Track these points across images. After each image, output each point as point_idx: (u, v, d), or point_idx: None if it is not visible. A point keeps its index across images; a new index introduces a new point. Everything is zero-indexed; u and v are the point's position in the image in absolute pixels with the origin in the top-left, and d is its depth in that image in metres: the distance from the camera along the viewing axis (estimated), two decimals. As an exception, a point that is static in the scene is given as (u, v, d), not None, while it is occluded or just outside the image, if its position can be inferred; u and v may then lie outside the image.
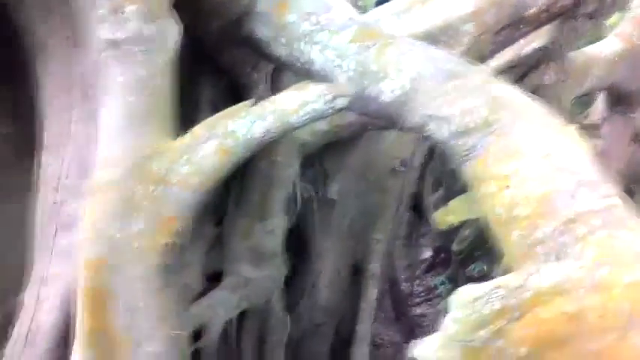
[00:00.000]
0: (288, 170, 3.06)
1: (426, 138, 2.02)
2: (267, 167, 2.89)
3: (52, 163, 2.09)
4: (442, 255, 5.94)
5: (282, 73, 2.78)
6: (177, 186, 1.94)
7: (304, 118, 2.01)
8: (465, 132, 1.81)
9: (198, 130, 2.00)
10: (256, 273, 3.01)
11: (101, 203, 1.92)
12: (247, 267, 2.99)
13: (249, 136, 2.00)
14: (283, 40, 2.20)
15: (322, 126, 2.76)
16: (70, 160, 2.05)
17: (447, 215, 3.54)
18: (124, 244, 1.92)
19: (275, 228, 3.06)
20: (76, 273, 2.01)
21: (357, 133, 2.86)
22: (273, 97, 2.03)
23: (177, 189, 1.94)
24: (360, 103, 2.08)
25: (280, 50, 2.22)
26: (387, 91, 2.05)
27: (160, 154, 1.95)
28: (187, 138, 1.97)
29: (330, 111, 2.00)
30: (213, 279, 2.94)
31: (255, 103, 2.08)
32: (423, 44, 2.16)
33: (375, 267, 3.38)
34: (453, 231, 5.73)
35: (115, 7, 1.89)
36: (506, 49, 3.26)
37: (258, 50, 2.35)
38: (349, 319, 3.46)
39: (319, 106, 1.98)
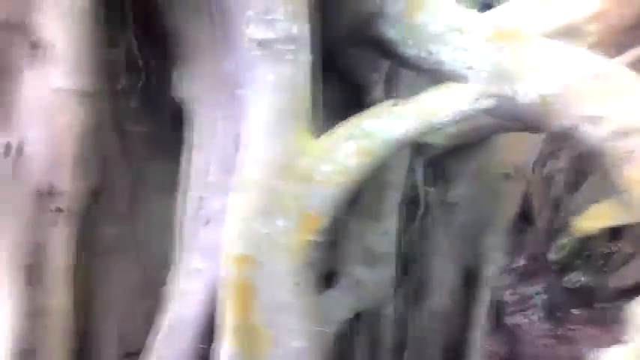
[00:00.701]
0: (402, 172, 3.07)
1: (570, 140, 2.00)
2: (381, 169, 2.90)
3: (199, 160, 2.13)
4: (537, 263, 5.83)
5: (397, 74, 2.80)
6: (321, 184, 1.98)
7: (448, 119, 2.00)
8: (625, 133, 1.77)
9: (341, 129, 2.01)
10: (369, 275, 3.02)
11: (248, 200, 1.96)
12: (361, 268, 3.00)
13: (389, 137, 2.02)
14: (412, 42, 2.20)
15: (451, 129, 2.76)
16: (215, 158, 2.10)
17: (587, 221, 3.43)
18: (269, 241, 1.96)
19: (389, 230, 3.07)
20: (220, 268, 2.09)
21: (484, 136, 2.84)
22: (416, 98, 2.03)
23: (320, 187, 1.98)
24: (497, 105, 2.07)
25: (409, 51, 2.22)
26: (527, 93, 2.01)
27: (305, 152, 1.97)
28: (330, 137, 2.00)
29: (475, 112, 2.00)
30: (326, 280, 2.98)
31: (395, 104, 2.10)
32: (560, 44, 2.13)
33: (488, 273, 3.33)
34: (548, 238, 5.62)
35: (266, 7, 1.92)
36: (630, 51, 3.19)
37: (385, 51, 2.35)
38: (459, 325, 3.44)
39: (466, 106, 1.98)
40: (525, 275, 5.85)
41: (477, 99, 1.98)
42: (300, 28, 1.98)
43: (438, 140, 2.75)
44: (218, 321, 2.02)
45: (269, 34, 1.93)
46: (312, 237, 1.98)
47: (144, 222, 2.39)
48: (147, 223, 2.41)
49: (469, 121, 2.02)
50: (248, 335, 1.98)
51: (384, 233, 3.03)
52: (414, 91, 2.82)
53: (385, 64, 2.74)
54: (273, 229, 1.95)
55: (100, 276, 2.23)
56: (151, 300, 2.30)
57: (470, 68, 2.04)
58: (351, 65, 2.59)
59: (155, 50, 2.20)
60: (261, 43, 1.94)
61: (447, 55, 2.10)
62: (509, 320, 5.57)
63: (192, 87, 2.16)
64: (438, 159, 2.95)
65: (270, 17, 1.93)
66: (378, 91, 2.74)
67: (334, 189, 1.97)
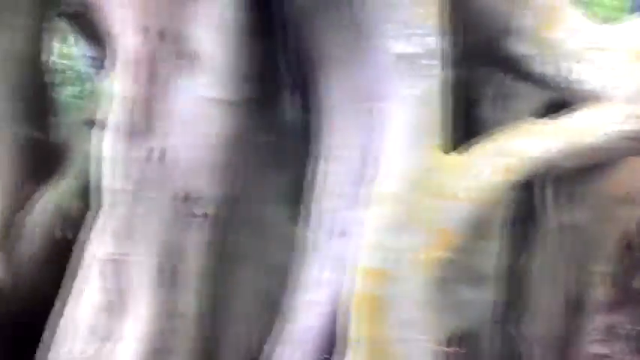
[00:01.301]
0: (509, 192, 3.02)
1: None
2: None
3: (333, 172, 2.13)
4: (625, 292, 5.63)
5: (506, 88, 2.75)
6: (458, 200, 1.96)
7: (595, 140, 1.96)
8: None
9: (481, 146, 2.00)
10: (472, 294, 2.97)
11: (383, 213, 1.96)
12: (464, 288, 2.95)
13: (535, 156, 1.98)
14: (547, 58, 2.18)
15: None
16: (345, 170, 2.10)
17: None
18: (403, 255, 1.95)
19: (494, 249, 3.02)
20: (348, 280, 2.09)
21: (615, 158, 2.76)
22: (565, 117, 1.99)
23: (457, 203, 1.96)
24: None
25: (542, 68, 2.18)
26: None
27: (442, 167, 1.96)
28: (469, 153, 1.98)
29: (622, 134, 1.94)
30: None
31: (534, 122, 2.06)
32: None
33: (595, 299, 3.23)
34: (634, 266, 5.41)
35: (406, 22, 1.93)
36: None
37: (512, 68, 2.32)
38: (558, 350, 3.34)
39: (613, 128, 1.92)
40: (611, 304, 5.67)
41: (624, 120, 1.94)
42: (438, 43, 1.98)
43: (564, 161, 2.69)
44: (342, 333, 2.04)
45: (408, 49, 1.94)
46: (445, 253, 1.97)
47: (263, 231, 2.43)
48: (265, 232, 2.44)
49: (614, 143, 1.97)
50: (375, 349, 1.97)
51: (489, 253, 2.99)
52: (521, 107, 2.79)
53: (496, 79, 2.72)
54: (407, 244, 1.93)
55: (225, 282, 2.25)
56: (271, 308, 2.34)
57: (616, 88, 2.00)
58: (471, 79, 2.58)
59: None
60: (400, 57, 1.95)
61: (588, 74, 2.06)
62: (591, 349, 5.40)
63: (324, 99, 2.18)
64: (561, 179, 2.88)
65: (409, 31, 1.94)
66: (487, 105, 2.73)
67: (470, 205, 1.95)
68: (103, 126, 3.36)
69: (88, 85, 3.85)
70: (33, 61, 2.52)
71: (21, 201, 2.61)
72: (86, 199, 3.47)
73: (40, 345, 2.12)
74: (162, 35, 1.85)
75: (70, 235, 3.28)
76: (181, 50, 1.89)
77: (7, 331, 2.80)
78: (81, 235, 3.28)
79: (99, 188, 3.29)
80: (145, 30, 1.83)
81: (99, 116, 3.40)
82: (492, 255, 3.05)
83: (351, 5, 1.96)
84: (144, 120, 1.89)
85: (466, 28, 2.24)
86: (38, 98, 2.59)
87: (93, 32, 3.18)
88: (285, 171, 2.42)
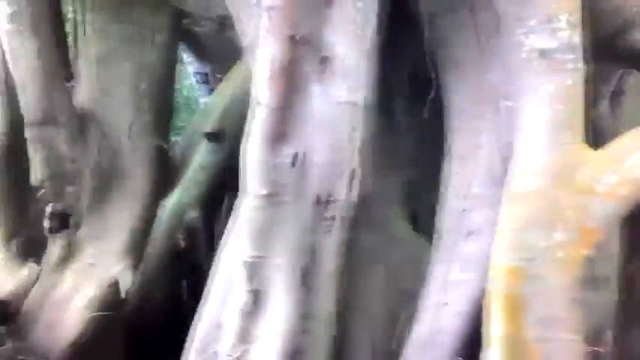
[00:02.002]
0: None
1: None
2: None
3: (460, 172, 2.12)
4: None
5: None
6: (603, 196, 1.91)
7: None
8: None
9: (626, 140, 1.95)
10: (591, 297, 2.91)
11: (522, 211, 1.92)
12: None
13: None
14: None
15: None
16: (479, 169, 2.08)
17: None
18: (544, 253, 1.90)
19: (612, 251, 2.95)
20: (483, 279, 2.07)
21: None
22: None
23: (602, 199, 1.91)
24: None
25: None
26: None
27: (584, 163, 1.90)
28: (615, 147, 1.93)
29: None
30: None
31: None
32: None
33: None
34: None
35: (548, 16, 1.90)
36: None
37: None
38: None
39: None
40: None
41: None
42: (579, 37, 1.94)
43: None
44: (481, 333, 2.03)
45: (551, 44, 1.90)
46: (589, 251, 1.94)
47: (387, 232, 2.45)
48: (389, 233, 2.46)
49: None
50: (516, 348, 1.92)
51: (606, 255, 2.92)
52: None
53: (615, 77, 2.67)
54: (548, 242, 1.89)
55: (355, 283, 2.25)
56: (400, 309, 2.35)
57: None
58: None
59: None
60: (543, 53, 1.91)
61: None
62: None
63: (455, 99, 2.16)
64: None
65: (552, 26, 1.90)
66: (603, 103, 2.67)
67: (617, 202, 1.90)
68: (212, 138, 3.49)
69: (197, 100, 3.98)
70: (165, 76, 2.64)
71: (150, 210, 2.74)
72: (201, 208, 3.61)
73: (186, 347, 2.19)
74: (303, 42, 1.88)
75: (187, 244, 3.42)
76: (319, 56, 1.92)
77: (136, 334, 2.95)
78: (198, 243, 3.42)
79: (213, 196, 3.41)
80: (288, 38, 1.86)
81: (209, 129, 3.53)
82: (610, 257, 3.00)
83: (489, 3, 1.95)
84: (284, 126, 1.92)
85: (593, 21, 2.22)
86: (165, 111, 2.70)
87: (201, 49, 3.32)
88: (401, 172, 2.46)
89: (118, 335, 2.95)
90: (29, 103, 2.40)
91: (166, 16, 2.59)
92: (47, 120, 2.42)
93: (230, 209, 3.84)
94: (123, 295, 2.60)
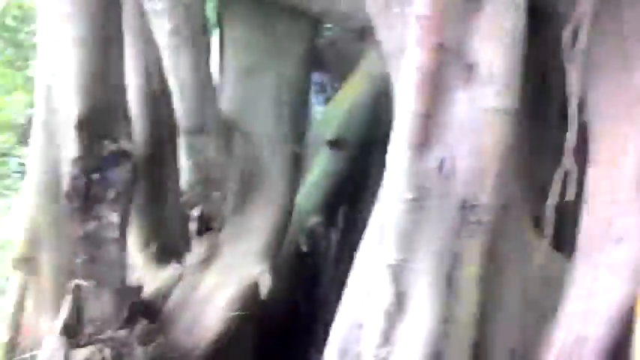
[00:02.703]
0: None
1: None
2: None
3: (604, 178, 2.08)
4: None
5: None
6: None
7: None
8: None
9: None
10: None
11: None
12: None
13: None
14: None
15: None
16: (626, 174, 2.03)
17: None
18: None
19: None
20: (633, 286, 2.02)
21: None
22: None
23: None
24: None
25: None
26: None
27: None
28: None
29: None
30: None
31: None
32: None
33: None
34: None
35: None
36: None
37: None
38: None
39: None
40: None
41: None
42: None
43: None
44: (630, 341, 1.99)
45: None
46: None
47: (524, 237, 2.44)
48: (520, 238, 2.45)
49: None
50: (670, 358, 1.91)
51: None
52: None
53: None
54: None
55: (495, 288, 2.23)
56: (540, 315, 2.34)
57: None
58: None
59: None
60: None
61: None
62: None
63: (598, 103, 2.11)
64: None
65: None
66: None
67: None
68: (334, 145, 3.59)
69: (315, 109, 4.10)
70: (303, 86, 2.75)
71: (286, 213, 2.85)
72: (322, 213, 3.72)
73: (327, 347, 2.26)
74: (449, 50, 1.91)
75: (310, 248, 3.53)
76: (464, 62, 1.94)
77: (262, 334, 3.07)
78: (319, 247, 3.53)
79: (333, 202, 3.49)
80: (436, 46, 1.89)
81: (330, 137, 3.64)
82: None
83: (635, 6, 1.93)
84: (430, 132, 1.96)
85: None
86: (302, 119, 2.81)
87: (318, 59, 3.42)
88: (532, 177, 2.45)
89: (251, 334, 3.09)
90: (185, 113, 2.56)
91: (306, 27, 2.69)
92: (200, 129, 2.57)
93: (347, 215, 3.98)
94: (262, 296, 2.72)
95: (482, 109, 1.98)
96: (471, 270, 2.11)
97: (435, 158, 2.01)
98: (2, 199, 9.14)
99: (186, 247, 3.16)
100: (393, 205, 2.09)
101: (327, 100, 4.10)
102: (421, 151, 1.98)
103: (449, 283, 2.12)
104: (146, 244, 3.17)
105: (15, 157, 9.84)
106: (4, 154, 9.93)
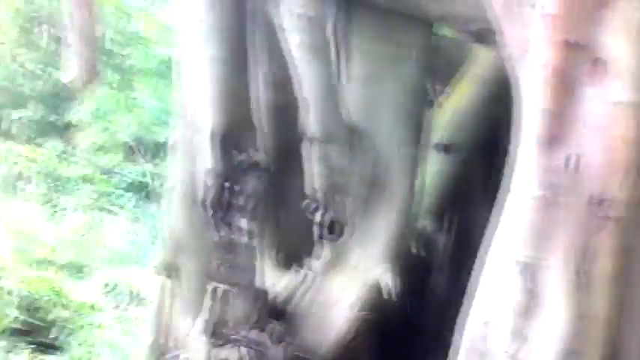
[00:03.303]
0: None
1: None
2: None
3: None
4: None
5: None
6: None
7: None
8: None
9: None
10: None
11: None
12: None
13: None
14: None
15: None
16: None
17: None
18: None
19: None
20: None
21: None
22: None
23: None
24: None
25: None
26: None
27: None
28: None
29: None
30: None
31: None
32: None
33: None
34: None
35: None
36: None
37: None
38: None
39: None
40: None
41: None
42: None
43: None
44: None
45: None
46: None
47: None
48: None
49: None
50: None
51: None
52: None
53: None
54: None
55: (632, 285, 2.20)
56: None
57: None
58: None
59: None
60: None
61: None
62: None
63: None
64: None
65: None
66: None
67: None
68: (443, 149, 3.65)
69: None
70: (422, 91, 2.85)
71: (407, 216, 2.94)
72: (432, 217, 3.78)
73: (453, 346, 2.32)
74: (576, 46, 1.93)
75: (420, 252, 3.60)
76: (592, 58, 1.95)
77: (391, 335, 3.16)
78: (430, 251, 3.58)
79: (442, 206, 3.55)
80: (562, 42, 1.92)
81: (438, 140, 3.70)
82: None
83: None
84: (559, 129, 1.98)
85: None
86: (420, 124, 2.91)
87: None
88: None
89: (373, 335, 3.19)
90: (313, 121, 2.71)
91: (423, 32, 2.78)
92: (327, 136, 2.72)
93: (456, 219, 4.01)
94: (385, 297, 2.82)
95: (612, 104, 1.98)
96: (604, 266, 2.09)
97: (565, 154, 2.02)
98: (107, 215, 9.67)
99: (310, 251, 3.33)
100: (522, 202, 2.13)
101: (430, 104, 4.18)
102: (551, 147, 2.00)
103: (582, 279, 2.14)
104: (271, 249, 3.35)
105: (119, 174, 10.41)
106: (109, 172, 10.52)
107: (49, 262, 6.29)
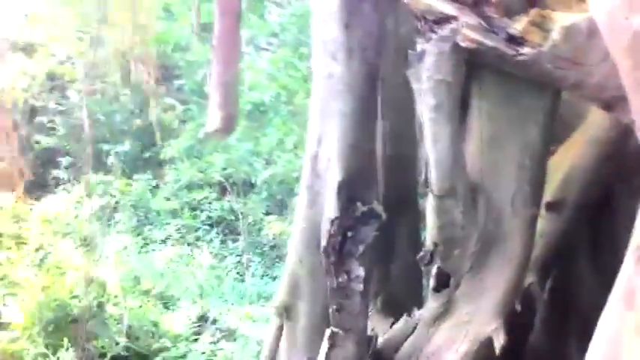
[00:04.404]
0: None
1: None
2: None
3: None
4: None
5: None
6: None
7: None
8: None
9: None
10: None
11: None
12: None
13: None
14: None
15: None
16: None
17: None
18: None
19: None
20: None
21: None
22: None
23: None
24: None
25: None
26: None
27: None
28: None
29: None
30: None
31: None
32: None
33: None
34: None
35: None
36: None
37: None
38: None
39: None
40: None
41: None
42: None
43: None
44: None
45: None
46: None
47: None
48: None
49: None
50: None
51: None
52: None
53: None
54: None
55: None
56: None
57: None
58: None
59: None
60: None
61: None
62: None
63: None
64: None
65: None
66: None
67: None
68: (553, 208, 3.62)
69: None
70: (545, 151, 2.88)
71: (522, 274, 2.98)
72: (537, 274, 3.76)
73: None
74: None
75: (525, 308, 3.58)
76: None
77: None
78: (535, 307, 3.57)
79: (547, 263, 3.53)
80: None
81: (549, 198, 3.66)
82: None
83: None
84: None
85: None
86: (542, 182, 2.96)
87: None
88: None
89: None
90: (438, 178, 2.77)
91: (551, 98, 2.81)
92: (450, 192, 2.79)
93: (560, 276, 3.96)
94: (497, 353, 2.83)
95: None
96: None
97: None
98: (195, 248, 9.95)
99: (415, 301, 3.38)
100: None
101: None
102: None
103: None
104: (376, 295, 3.41)
105: (206, 210, 10.73)
106: (196, 207, 10.85)
107: (144, 292, 6.54)
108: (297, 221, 3.10)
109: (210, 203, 10.09)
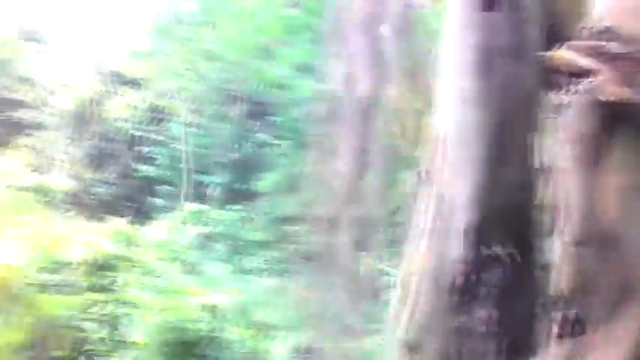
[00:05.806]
0: None
1: None
2: None
3: None
4: None
5: None
6: None
7: None
8: None
9: None
10: None
11: None
12: None
13: None
14: None
15: None
16: None
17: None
18: None
19: None
20: None
21: None
22: None
23: None
24: None
25: None
26: None
27: None
28: None
29: None
30: None
31: None
32: None
33: None
34: None
35: None
36: None
37: None
38: None
39: None
40: None
41: None
42: None
43: None
44: None
45: None
46: None
47: None
48: None
49: None
50: None
51: None
52: None
53: None
54: None
55: None
56: None
57: None
58: None
59: None
60: None
61: None
62: None
63: None
64: None
65: None
66: None
67: None
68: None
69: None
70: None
71: None
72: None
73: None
74: None
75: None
76: None
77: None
78: None
79: None
80: None
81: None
82: None
83: None
84: None
85: None
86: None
87: None
88: None
89: None
90: (570, 225, 2.78)
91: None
92: (582, 240, 2.79)
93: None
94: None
95: None
96: None
97: None
98: (284, 280, 10.09)
99: (533, 345, 3.35)
100: None
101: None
102: None
103: None
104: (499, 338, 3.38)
105: (295, 243, 10.89)
106: (285, 240, 11.04)
107: (253, 320, 6.67)
108: (421, 259, 3.15)
109: (299, 236, 10.26)
